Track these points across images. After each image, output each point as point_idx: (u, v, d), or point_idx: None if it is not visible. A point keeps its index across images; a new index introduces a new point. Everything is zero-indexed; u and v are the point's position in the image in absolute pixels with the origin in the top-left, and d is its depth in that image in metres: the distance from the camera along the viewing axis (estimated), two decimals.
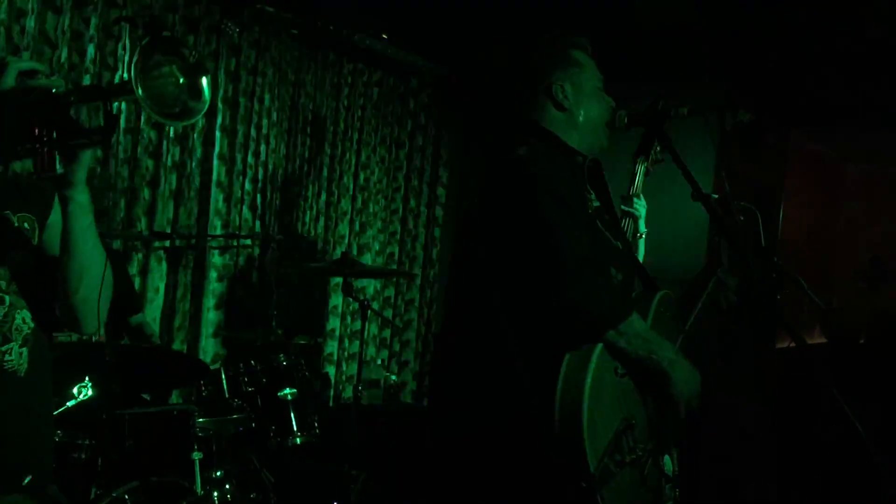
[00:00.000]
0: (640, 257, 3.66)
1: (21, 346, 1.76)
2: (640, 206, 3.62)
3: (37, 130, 1.55)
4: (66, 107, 1.58)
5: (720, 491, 4.58)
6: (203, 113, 1.61)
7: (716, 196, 4.10)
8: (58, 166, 1.60)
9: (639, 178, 3.61)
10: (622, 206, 3.60)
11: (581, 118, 2.16)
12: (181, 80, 1.56)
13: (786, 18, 4.75)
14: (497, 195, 2.02)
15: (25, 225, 1.80)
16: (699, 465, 4.34)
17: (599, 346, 1.92)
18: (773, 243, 6.76)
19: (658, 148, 3.53)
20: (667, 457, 3.99)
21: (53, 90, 1.56)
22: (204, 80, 1.58)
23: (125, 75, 1.59)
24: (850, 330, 8.07)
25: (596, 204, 2.34)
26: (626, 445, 1.94)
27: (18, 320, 1.75)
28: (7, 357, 1.73)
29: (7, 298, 1.75)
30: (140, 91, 1.48)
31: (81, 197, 1.69)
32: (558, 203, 1.96)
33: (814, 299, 3.87)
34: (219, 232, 4.79)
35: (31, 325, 1.77)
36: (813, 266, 8.43)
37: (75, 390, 2.87)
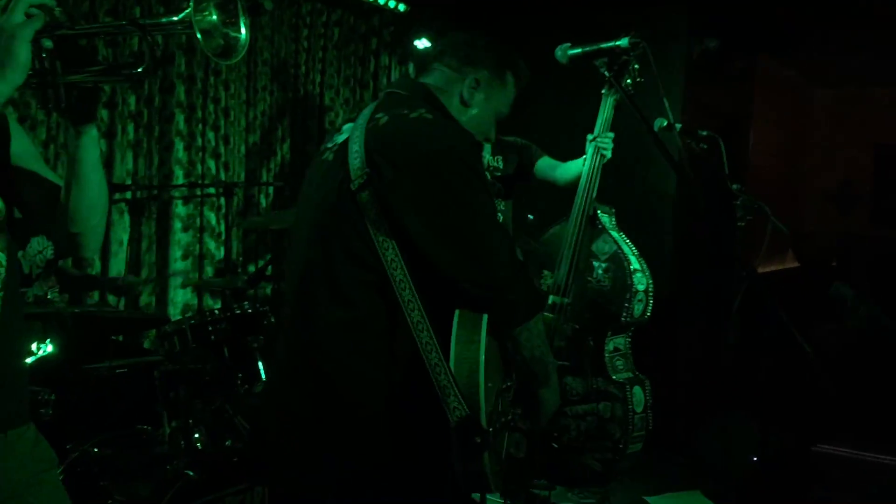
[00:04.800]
0: (596, 185, 3.65)
1: None
2: (609, 141, 3.57)
3: (46, 65, 1.55)
4: (74, 39, 1.57)
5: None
6: (245, 49, 1.60)
7: (679, 125, 4.08)
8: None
9: (607, 113, 3.54)
10: (595, 140, 3.55)
11: (467, 119, 2.08)
12: (215, 16, 1.56)
13: None
14: (416, 162, 1.83)
15: None
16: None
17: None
18: (742, 170, 6.76)
19: (629, 81, 3.46)
20: (637, 388, 4.00)
21: (63, 23, 1.55)
22: (239, 12, 1.58)
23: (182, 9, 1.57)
24: (822, 254, 8.15)
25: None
26: (502, 407, 1.91)
27: None
28: None
29: None
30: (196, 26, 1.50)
31: (93, 131, 1.73)
32: (480, 179, 1.88)
33: (778, 226, 3.87)
34: (181, 182, 4.73)
35: (5, 264, 1.74)
36: (784, 191, 8.46)
37: (34, 346, 2.84)
